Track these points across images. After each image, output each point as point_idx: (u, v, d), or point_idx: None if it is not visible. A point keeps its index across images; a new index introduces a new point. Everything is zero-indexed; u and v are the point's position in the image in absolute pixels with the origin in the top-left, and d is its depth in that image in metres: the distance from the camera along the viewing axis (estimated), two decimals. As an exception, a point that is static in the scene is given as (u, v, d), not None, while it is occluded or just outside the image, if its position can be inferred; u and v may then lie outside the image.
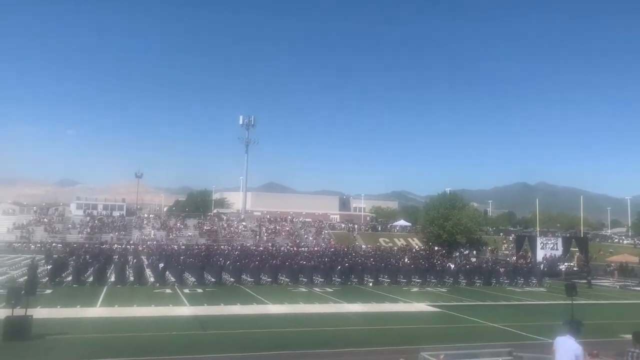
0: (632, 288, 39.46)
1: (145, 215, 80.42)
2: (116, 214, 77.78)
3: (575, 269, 48.51)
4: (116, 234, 66.89)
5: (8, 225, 66.04)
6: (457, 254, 60.08)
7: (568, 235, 65.61)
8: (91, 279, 30.69)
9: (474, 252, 62.60)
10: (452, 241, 59.94)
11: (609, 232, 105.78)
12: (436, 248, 62.60)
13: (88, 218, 72.16)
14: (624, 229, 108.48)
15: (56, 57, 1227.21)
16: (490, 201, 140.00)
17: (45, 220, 70.13)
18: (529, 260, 51.63)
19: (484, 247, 66.26)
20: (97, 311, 21.53)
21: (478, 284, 37.22)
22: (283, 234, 74.51)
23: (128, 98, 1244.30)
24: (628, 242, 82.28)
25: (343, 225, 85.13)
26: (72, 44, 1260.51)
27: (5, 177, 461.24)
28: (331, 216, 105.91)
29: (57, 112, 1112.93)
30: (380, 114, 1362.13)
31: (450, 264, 44.00)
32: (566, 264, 48.65)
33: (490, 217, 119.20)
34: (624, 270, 47.53)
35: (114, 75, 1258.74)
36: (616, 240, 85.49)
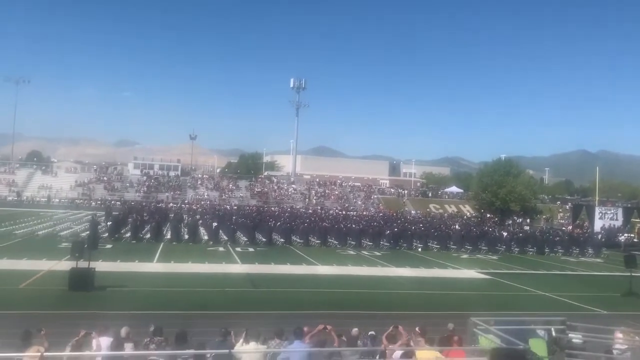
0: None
1: (199, 176, 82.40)
2: (171, 174, 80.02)
3: (635, 240, 46.60)
4: (171, 193, 69.04)
5: (71, 182, 69.29)
6: (510, 222, 58.74)
7: (629, 205, 62.79)
8: (148, 235, 31.92)
9: (528, 220, 61.04)
10: (505, 209, 58.53)
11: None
12: (488, 215, 61.40)
13: (145, 177, 74.67)
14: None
15: (110, 25, 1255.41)
16: (547, 169, 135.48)
17: (104, 178, 73.10)
18: (586, 230, 49.95)
19: (538, 216, 64.43)
20: (154, 266, 22.47)
21: (531, 253, 36.42)
22: (332, 197, 74.89)
23: (181, 62, 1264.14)
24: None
25: (392, 191, 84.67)
26: (127, 9, 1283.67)
27: (68, 137, 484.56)
28: (381, 181, 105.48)
29: (114, 75, 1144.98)
30: (432, 77, 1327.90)
31: (503, 231, 43.13)
32: (626, 235, 46.78)
33: (547, 185, 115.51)
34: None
35: (168, 40, 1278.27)
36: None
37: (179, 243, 30.94)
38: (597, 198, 63.27)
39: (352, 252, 31.32)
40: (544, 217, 65.85)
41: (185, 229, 33.87)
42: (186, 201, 64.01)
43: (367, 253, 31.28)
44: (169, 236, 32.56)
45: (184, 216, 40.83)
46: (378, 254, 31.27)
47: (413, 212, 68.28)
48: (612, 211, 51.15)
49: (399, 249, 34.45)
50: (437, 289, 21.07)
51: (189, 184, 74.07)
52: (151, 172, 79.15)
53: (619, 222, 48.82)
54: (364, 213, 61.77)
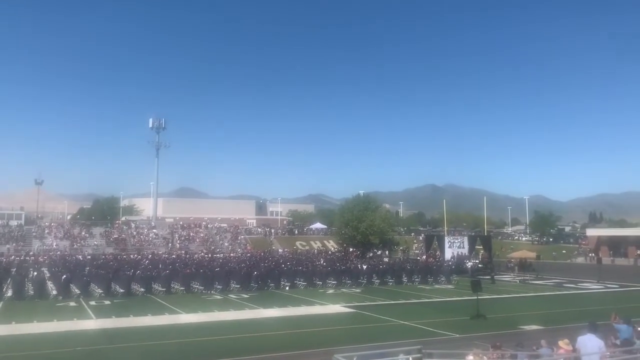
0: (531, 282, 42.34)
1: (47, 224, 75.37)
2: (13, 223, 72.29)
3: (480, 266, 51.25)
4: (14, 244, 62.21)
5: None
6: (371, 254, 61.57)
7: (473, 234, 69.38)
8: (-16, 295, 28.25)
9: (387, 252, 64.45)
10: (366, 242, 61.36)
11: (509, 230, 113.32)
12: (351, 249, 63.81)
13: (-19, 229, 66.49)
14: (522, 227, 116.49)
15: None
16: (401, 202, 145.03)
17: None
18: (438, 259, 53.91)
19: (396, 247, 68.42)
20: (-9, 330, 19.86)
21: (390, 283, 38.32)
22: (197, 240, 72.81)
23: (27, 97, 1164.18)
24: (526, 238, 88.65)
25: (260, 230, 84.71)
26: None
27: None
28: (248, 221, 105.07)
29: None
30: (293, 117, 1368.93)
31: (363, 264, 44.98)
32: (472, 261, 51.30)
33: (402, 217, 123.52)
34: (524, 265, 50.84)
35: (14, 72, 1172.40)
36: (516, 237, 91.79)
37: (22, 300, 27.77)
38: (445, 228, 68.88)
39: (218, 297, 30.49)
40: (401, 248, 70.11)
41: (30, 284, 30.54)
42: (31, 253, 57.90)
43: (234, 296, 30.65)
44: (10, 293, 29.11)
45: (29, 270, 36.88)
46: (246, 296, 30.80)
47: (280, 250, 68.70)
48: (459, 240, 55.94)
49: (267, 289, 34.30)
50: (305, 327, 21.25)
51: (34, 234, 67.34)
52: (-11, 223, 70.74)
53: (465, 250, 53.44)
54: (232, 255, 60.82)
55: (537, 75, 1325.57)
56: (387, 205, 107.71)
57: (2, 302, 26.93)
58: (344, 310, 25.73)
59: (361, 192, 71.45)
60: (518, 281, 42.94)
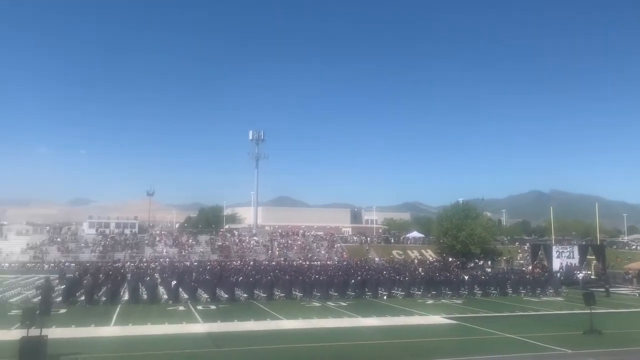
0: (652, 296, 38.75)
1: (157, 233, 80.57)
2: (128, 232, 77.94)
3: (592, 277, 47.74)
4: (128, 252, 67.05)
5: (22, 245, 66.48)
6: (472, 264, 59.44)
7: (584, 243, 64.74)
8: (104, 298, 30.67)
9: (489, 262, 61.90)
10: (466, 252, 59.38)
11: (625, 239, 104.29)
12: (450, 259, 62.04)
13: (100, 237, 72.45)
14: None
15: (66, 78, 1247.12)
16: (504, 210, 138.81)
17: (58, 239, 70.48)
18: (545, 270, 50.93)
19: (498, 257, 65.53)
20: (111, 330, 21.46)
21: (494, 295, 36.73)
22: (295, 248, 74.29)
23: (137, 117, 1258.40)
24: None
25: (355, 238, 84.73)
26: (80, 64, 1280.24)
27: (20, 199, 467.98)
28: (343, 229, 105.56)
29: (69, 133, 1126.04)
30: (391, 124, 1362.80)
31: (464, 275, 43.51)
32: (583, 272, 47.89)
33: (505, 226, 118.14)
34: (643, 278, 46.63)
35: (123, 94, 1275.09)
36: (633, 247, 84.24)
37: (137, 304, 29.80)
38: (553, 237, 64.93)
39: (317, 304, 30.82)
40: (504, 258, 67.01)
41: (144, 289, 32.74)
42: (144, 259, 62.14)
43: (332, 304, 30.84)
44: (126, 297, 31.37)
45: (142, 275, 39.56)
46: (344, 304, 30.87)
47: (377, 259, 68.29)
48: (569, 249, 52.47)
49: (365, 298, 34.17)
50: (405, 337, 20.84)
51: (146, 242, 72.20)
52: (107, 231, 76.89)
53: (575, 260, 50.02)
54: (328, 262, 61.38)
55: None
56: (488, 213, 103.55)
57: (119, 306, 29.01)
58: (444, 322, 24.96)
59: (460, 199, 69.38)
60: (637, 295, 39.43)
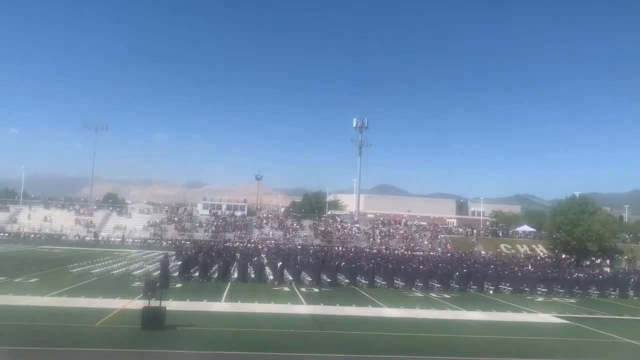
0: None
1: (264, 216, 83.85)
2: (238, 213, 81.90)
3: None
4: (238, 232, 70.53)
5: (144, 223, 72.37)
6: (588, 262, 55.50)
7: None
8: (216, 275, 32.51)
9: (607, 261, 57.45)
10: (581, 249, 55.56)
11: None
12: (564, 256, 58.37)
13: (213, 217, 76.86)
14: None
15: (181, 69, 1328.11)
16: (626, 206, 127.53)
17: (175, 219, 75.86)
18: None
19: (619, 256, 60.58)
20: (222, 306, 22.73)
21: (613, 296, 34.07)
22: (397, 237, 73.84)
23: (246, 105, 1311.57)
24: None
25: (460, 230, 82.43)
26: (189, 53, 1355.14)
27: (143, 179, 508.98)
28: (447, 220, 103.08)
29: (184, 120, 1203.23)
30: (498, 112, 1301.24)
31: (579, 273, 40.74)
32: None
33: (627, 223, 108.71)
34: None
35: (233, 84, 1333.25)
36: None
37: (245, 283, 31.25)
38: (685, 237, 58.73)
39: (419, 294, 30.46)
40: (625, 257, 61.90)
41: (252, 269, 34.26)
42: (252, 240, 65.05)
43: (435, 295, 30.31)
44: (235, 275, 33.02)
45: (251, 256, 41.38)
46: (447, 296, 30.23)
47: (483, 252, 66.01)
48: None
49: (469, 291, 33.21)
50: (512, 334, 20.01)
51: (254, 224, 75.45)
52: (219, 212, 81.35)
53: None
54: (431, 253, 60.36)
55: None
56: (608, 209, 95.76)
57: (229, 283, 30.60)
58: (555, 321, 23.60)
59: (577, 193, 64.85)
60: None
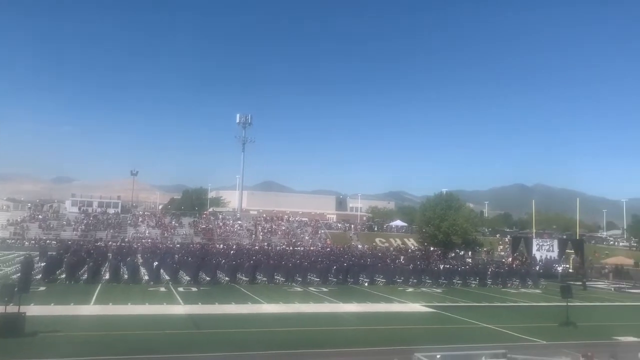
0: (627, 290, 39.54)
1: (140, 213, 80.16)
2: (111, 211, 77.47)
3: (570, 270, 48.59)
4: (111, 231, 66.68)
5: (2, 221, 65.75)
6: (453, 254, 60.05)
7: (564, 237, 65.73)
8: (85, 276, 30.52)
9: (470, 253, 62.59)
10: (447, 242, 59.93)
11: (604, 234, 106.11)
12: (432, 248, 62.58)
13: (83, 215, 71.93)
14: (619, 231, 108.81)
15: (53, 54, 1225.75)
16: (486, 202, 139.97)
17: (39, 216, 69.84)
18: (525, 262, 51.67)
19: (479, 248, 66.26)
20: (91, 309, 21.41)
21: (473, 285, 37.22)
22: (279, 233, 74.42)
23: (124, 95, 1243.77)
24: (623, 244, 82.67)
25: (340, 225, 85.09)
26: (68, 41, 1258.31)
27: (2, 173, 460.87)
28: (328, 216, 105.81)
29: (54, 109, 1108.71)
30: (377, 114, 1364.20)
31: (445, 264, 43.99)
32: (562, 265, 48.70)
33: (487, 218, 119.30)
34: (619, 273, 47.64)
35: (110, 73, 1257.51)
36: (611, 242, 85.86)
37: (117, 284, 29.70)
38: (534, 230, 65.74)
39: (299, 289, 31.00)
40: (484, 249, 67.75)
41: (125, 269, 32.63)
42: (126, 239, 61.84)
43: (314, 289, 31.04)
44: (107, 277, 31.26)
45: (124, 255, 39.38)
46: (325, 290, 31.10)
47: (360, 246, 68.70)
48: (549, 243, 53.21)
49: (347, 284, 34.43)
50: (384, 323, 21.08)
51: (129, 222, 71.79)
52: (90, 210, 76.35)
53: (554, 254, 50.80)
54: (312, 248, 61.62)
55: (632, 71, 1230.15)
56: (471, 205, 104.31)
57: (100, 285, 28.90)
58: (424, 310, 25.30)
59: (444, 190, 69.80)
60: (613, 289, 40.29)
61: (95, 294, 25.38)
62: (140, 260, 38.40)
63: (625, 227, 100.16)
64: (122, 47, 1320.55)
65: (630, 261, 52.30)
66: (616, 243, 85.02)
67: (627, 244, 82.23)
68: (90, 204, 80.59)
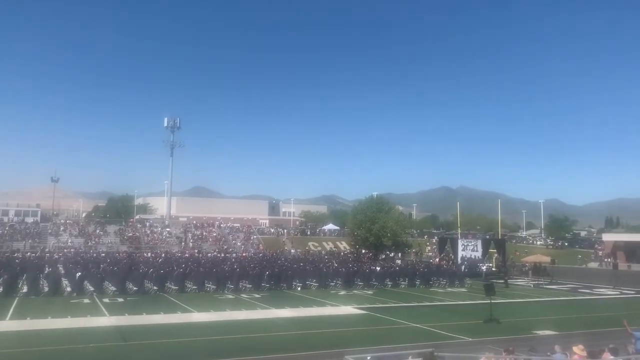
0: (545, 286, 41.89)
1: (62, 222, 76.16)
2: (29, 220, 73.16)
3: (493, 269, 50.80)
4: (29, 241, 62.84)
5: None
6: (383, 256, 61.29)
7: (487, 237, 68.81)
8: (0, 289, 28.60)
9: (399, 254, 64.12)
10: (378, 244, 61.11)
11: (524, 233, 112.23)
12: (363, 251, 63.59)
13: (-2, 225, 67.41)
14: (537, 231, 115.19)
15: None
16: (414, 205, 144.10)
17: (-52, 228, 64.79)
18: (451, 262, 53.54)
19: (408, 250, 68.05)
20: (7, 324, 20.14)
21: (403, 286, 38.15)
22: (210, 240, 73.05)
23: (44, 97, 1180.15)
24: (541, 243, 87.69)
25: (272, 230, 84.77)
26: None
27: None
28: (260, 221, 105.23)
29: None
30: (307, 119, 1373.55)
31: (376, 266, 44.82)
32: (486, 264, 50.86)
33: (415, 220, 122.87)
34: (537, 270, 50.28)
35: (29, 72, 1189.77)
36: (530, 241, 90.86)
37: (37, 297, 28.09)
38: (459, 231, 68.33)
39: (230, 296, 30.57)
40: (413, 250, 69.71)
41: (45, 281, 30.87)
42: (47, 250, 58.55)
43: (246, 296, 30.72)
44: (25, 289, 29.45)
45: (44, 266, 37.28)
46: (257, 296, 30.86)
47: (292, 251, 68.70)
48: (473, 243, 55.44)
49: (279, 289, 34.32)
50: (316, 327, 21.22)
51: (50, 231, 67.98)
52: (5, 219, 71.66)
53: (479, 253, 53.01)
54: (244, 254, 60.96)
55: (552, 77, 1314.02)
56: (401, 207, 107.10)
57: (17, 298, 27.24)
58: (355, 312, 25.66)
59: (374, 193, 71.17)
60: (532, 286, 42.54)
61: (12, 308, 23.92)
62: (62, 271, 36.46)
63: (542, 227, 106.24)
64: (40, 39, 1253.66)
65: (547, 259, 55.28)
66: (534, 242, 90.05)
67: (544, 242, 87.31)
68: (6, 213, 75.86)
